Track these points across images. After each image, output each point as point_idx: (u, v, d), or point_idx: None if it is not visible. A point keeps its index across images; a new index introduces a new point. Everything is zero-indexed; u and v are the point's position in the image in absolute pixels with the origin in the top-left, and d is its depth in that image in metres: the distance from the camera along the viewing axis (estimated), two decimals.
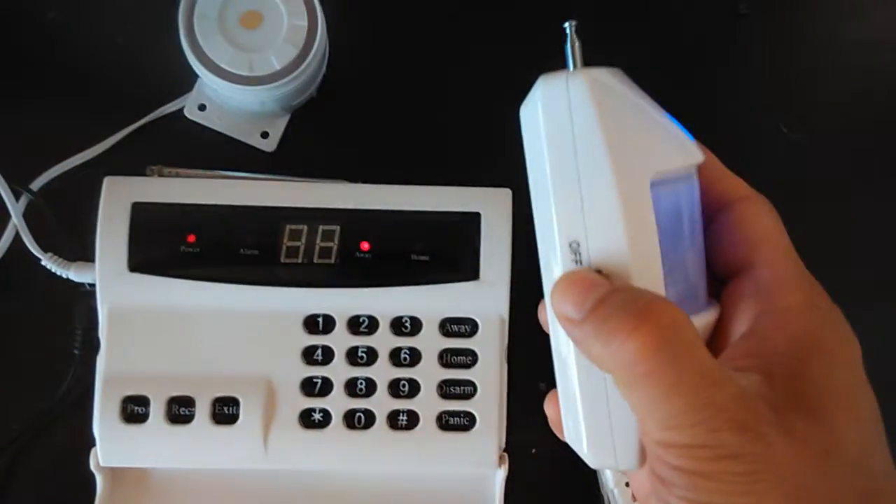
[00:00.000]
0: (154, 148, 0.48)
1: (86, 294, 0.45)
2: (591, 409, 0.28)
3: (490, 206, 0.44)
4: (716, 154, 0.32)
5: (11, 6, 0.49)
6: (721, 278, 0.31)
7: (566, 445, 0.30)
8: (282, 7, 0.44)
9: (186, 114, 0.48)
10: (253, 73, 0.44)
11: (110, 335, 0.43)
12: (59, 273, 0.45)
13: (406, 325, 0.44)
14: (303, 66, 0.44)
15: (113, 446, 0.42)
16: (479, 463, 0.44)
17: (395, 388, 0.43)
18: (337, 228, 0.43)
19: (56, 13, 0.49)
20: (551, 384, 0.30)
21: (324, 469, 0.44)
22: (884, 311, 0.50)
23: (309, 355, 0.43)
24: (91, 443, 0.42)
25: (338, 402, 0.43)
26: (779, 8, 0.53)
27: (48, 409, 0.46)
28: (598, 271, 0.27)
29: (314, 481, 0.45)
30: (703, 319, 0.29)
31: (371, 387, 0.43)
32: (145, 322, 0.43)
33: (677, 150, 0.29)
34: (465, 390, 0.43)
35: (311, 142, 0.49)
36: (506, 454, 0.44)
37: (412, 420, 0.43)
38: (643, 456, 0.28)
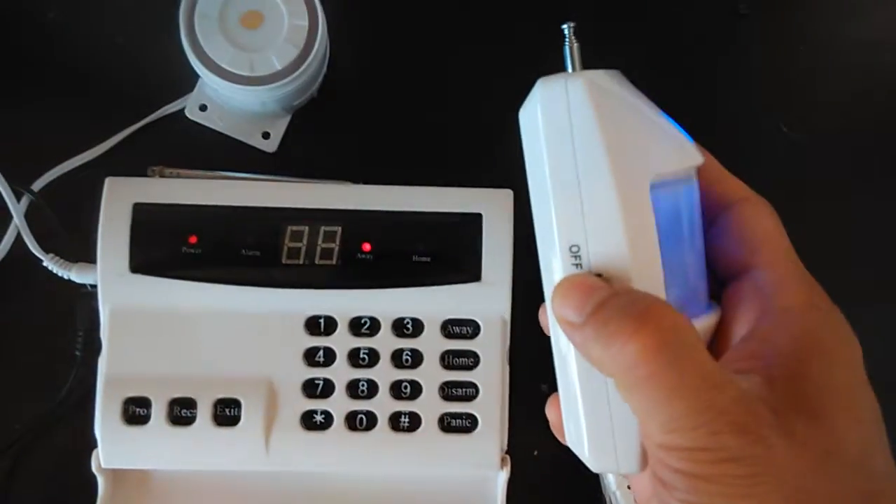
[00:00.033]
0: (155, 148, 0.48)
1: (87, 295, 0.45)
2: (593, 412, 0.28)
3: (491, 206, 0.44)
4: (716, 154, 0.32)
5: (11, 6, 0.49)
6: (721, 280, 0.31)
7: (568, 448, 0.30)
8: (282, 7, 0.44)
9: (187, 114, 0.48)
10: (254, 73, 0.44)
11: (112, 336, 0.43)
12: (60, 274, 0.45)
13: (408, 327, 0.44)
14: (304, 67, 0.44)
15: (114, 448, 0.42)
16: (481, 465, 0.44)
17: (396, 390, 0.43)
18: (338, 229, 0.43)
19: (56, 13, 0.49)
20: (553, 386, 0.30)
21: (325, 471, 0.44)
22: (884, 311, 0.50)
23: (310, 357, 0.43)
24: (92, 444, 0.42)
25: (339, 404, 0.43)
26: (779, 8, 0.53)
27: (49, 410, 0.46)
28: (599, 274, 0.27)
29: (316, 483, 0.45)
30: (704, 322, 0.29)
31: (373, 388, 0.43)
32: (147, 323, 0.43)
33: (677, 152, 0.29)
34: (467, 392, 0.43)
35: (312, 142, 0.49)
36: (508, 456, 0.44)
37: (414, 422, 0.43)
38: (644, 459, 0.28)
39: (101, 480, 0.43)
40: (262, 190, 0.44)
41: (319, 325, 0.44)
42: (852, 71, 0.53)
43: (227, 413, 0.42)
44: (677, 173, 0.29)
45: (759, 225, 0.30)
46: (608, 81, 0.28)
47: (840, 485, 0.24)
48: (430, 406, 0.43)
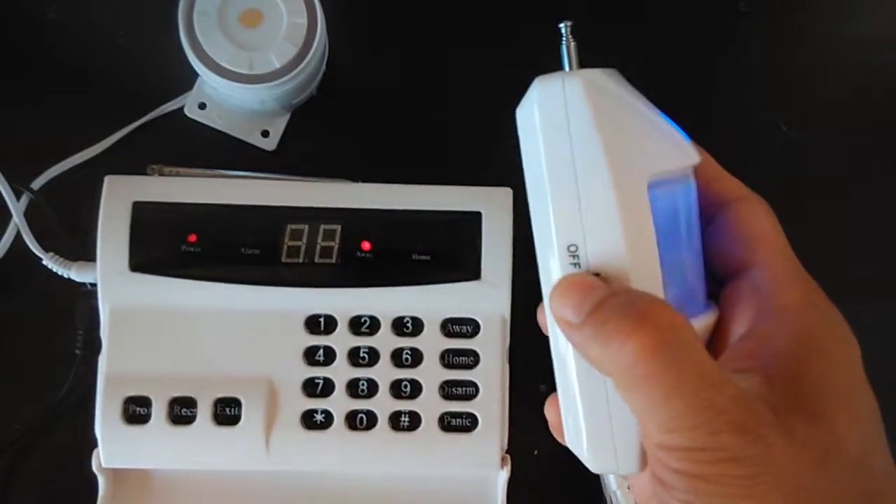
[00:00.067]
0: (154, 147, 0.48)
1: (87, 294, 0.45)
2: (592, 412, 0.28)
3: (491, 205, 0.44)
4: (715, 153, 0.32)
5: (11, 6, 0.49)
6: (720, 279, 0.31)
7: (568, 447, 0.30)
8: (281, 5, 0.44)
9: (187, 112, 0.48)
10: (253, 71, 0.44)
11: (112, 335, 0.43)
12: (60, 273, 0.45)
13: (407, 326, 0.44)
14: (303, 65, 0.44)
15: (115, 447, 0.42)
16: (481, 464, 0.44)
17: (396, 389, 0.43)
18: (338, 228, 0.43)
19: (56, 13, 0.49)
20: (552, 386, 0.30)
21: (325, 470, 0.44)
22: (883, 309, 0.50)
23: (310, 356, 0.43)
24: (93, 444, 0.42)
25: (339, 403, 0.43)
26: (778, 6, 0.53)
27: (49, 409, 0.46)
28: (597, 274, 0.27)
29: (316, 482, 0.45)
30: (703, 321, 0.29)
31: (373, 387, 0.43)
32: (147, 322, 0.43)
33: (674, 152, 0.29)
34: (467, 391, 0.43)
35: (311, 140, 0.49)
36: (508, 455, 0.44)
37: (414, 421, 0.43)
38: (644, 459, 0.28)
39: (101, 480, 0.43)
40: (262, 188, 0.44)
41: (319, 323, 0.44)
42: (851, 69, 0.53)
43: (227, 412, 0.42)
44: (674, 172, 0.29)
45: (756, 224, 0.30)
46: (605, 80, 0.28)
47: (840, 484, 0.24)
48: (430, 405, 0.43)
